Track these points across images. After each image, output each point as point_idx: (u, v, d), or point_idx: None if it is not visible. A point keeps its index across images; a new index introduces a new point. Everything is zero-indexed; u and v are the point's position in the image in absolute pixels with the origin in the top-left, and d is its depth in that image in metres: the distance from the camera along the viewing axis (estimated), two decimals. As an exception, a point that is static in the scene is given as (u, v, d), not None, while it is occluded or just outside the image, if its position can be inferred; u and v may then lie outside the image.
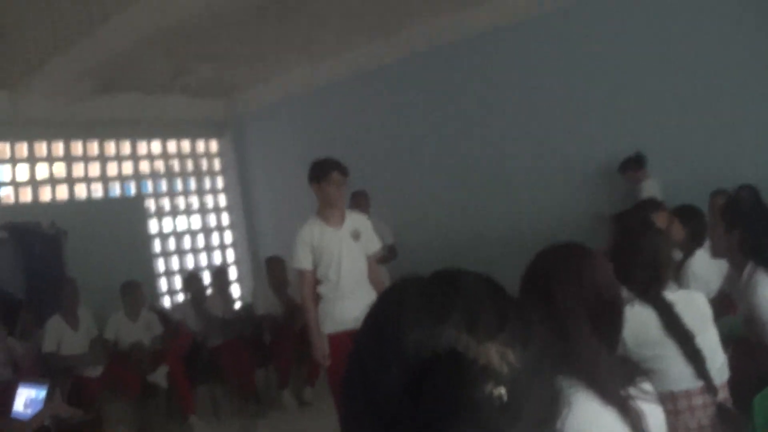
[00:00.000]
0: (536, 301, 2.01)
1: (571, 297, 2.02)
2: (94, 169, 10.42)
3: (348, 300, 5.31)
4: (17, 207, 9.36)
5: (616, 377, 1.91)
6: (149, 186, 11.22)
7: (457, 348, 0.90)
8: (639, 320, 2.94)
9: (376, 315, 1.02)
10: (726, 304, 4.01)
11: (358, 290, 5.37)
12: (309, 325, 5.49)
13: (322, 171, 5.39)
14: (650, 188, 6.86)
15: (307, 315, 5.49)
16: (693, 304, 3.11)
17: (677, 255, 4.57)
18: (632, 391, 1.89)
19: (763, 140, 6.88)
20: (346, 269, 5.40)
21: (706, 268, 4.47)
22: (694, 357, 2.94)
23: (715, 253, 4.05)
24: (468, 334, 0.91)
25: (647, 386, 1.95)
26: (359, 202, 8.28)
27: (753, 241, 3.66)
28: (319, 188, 5.41)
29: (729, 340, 3.43)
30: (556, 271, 2.09)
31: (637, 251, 3.09)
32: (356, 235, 5.48)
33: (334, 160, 5.44)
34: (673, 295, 3.08)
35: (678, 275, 4.43)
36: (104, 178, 10.50)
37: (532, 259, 2.15)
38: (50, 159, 9.96)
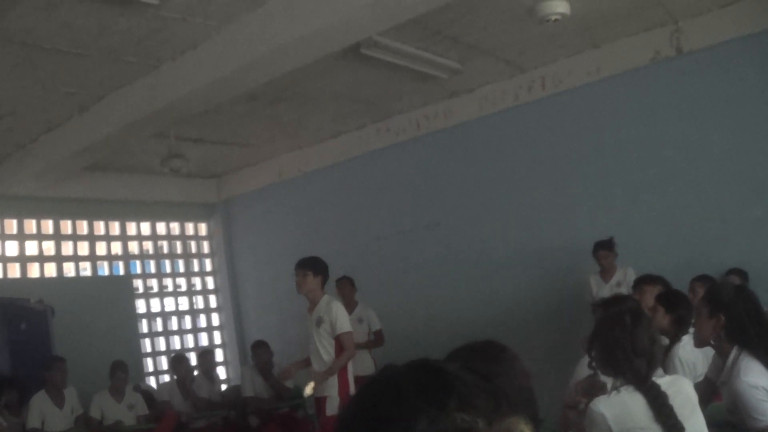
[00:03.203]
0: None
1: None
2: (83, 248, 10.45)
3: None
4: (5, 282, 9.37)
5: None
6: (138, 266, 11.22)
7: (469, 429, 0.92)
8: (625, 406, 2.95)
9: (369, 409, 0.99)
10: (712, 390, 3.99)
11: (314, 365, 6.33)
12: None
13: None
14: (631, 276, 6.88)
15: None
16: (680, 391, 3.10)
17: (663, 341, 4.60)
18: None
19: (740, 227, 7.00)
20: (310, 349, 6.36)
21: (693, 354, 4.47)
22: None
23: (698, 342, 4.04)
24: (474, 415, 0.93)
25: None
26: (343, 287, 8.35)
27: (738, 326, 3.67)
28: None
29: (715, 426, 3.44)
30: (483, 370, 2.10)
31: (623, 341, 3.09)
32: (318, 322, 6.21)
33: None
34: (659, 381, 3.10)
35: (664, 361, 4.45)
36: (93, 257, 10.53)
37: (449, 356, 2.11)
38: (39, 236, 10.00)
